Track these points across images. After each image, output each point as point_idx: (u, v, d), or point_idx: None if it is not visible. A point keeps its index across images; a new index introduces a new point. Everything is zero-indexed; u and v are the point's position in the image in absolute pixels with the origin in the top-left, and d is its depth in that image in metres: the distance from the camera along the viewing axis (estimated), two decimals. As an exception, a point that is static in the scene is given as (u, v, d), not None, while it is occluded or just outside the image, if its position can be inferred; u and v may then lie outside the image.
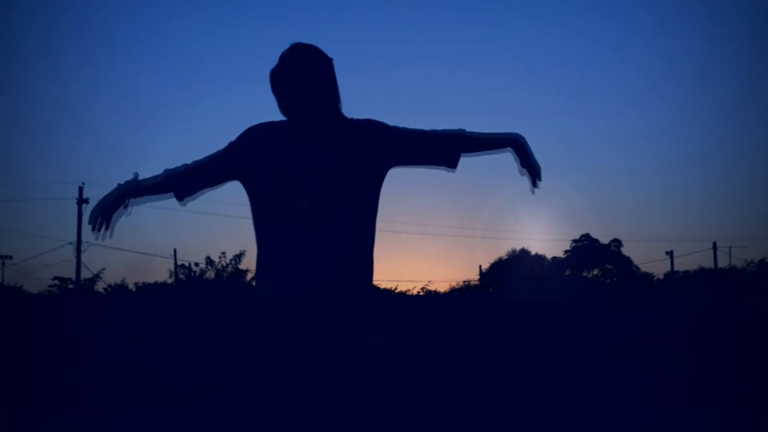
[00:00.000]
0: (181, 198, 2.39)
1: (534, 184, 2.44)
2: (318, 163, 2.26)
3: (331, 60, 2.34)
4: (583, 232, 38.77)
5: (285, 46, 2.36)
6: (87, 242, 27.25)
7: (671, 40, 54.30)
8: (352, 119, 2.38)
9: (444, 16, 53.91)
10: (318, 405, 2.18)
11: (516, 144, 2.43)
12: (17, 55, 50.65)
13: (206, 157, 2.38)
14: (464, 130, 2.41)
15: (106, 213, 2.37)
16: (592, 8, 52.61)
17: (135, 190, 2.37)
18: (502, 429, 4.89)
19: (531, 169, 2.42)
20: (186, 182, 2.38)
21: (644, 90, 55.82)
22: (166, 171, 2.39)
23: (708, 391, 6.36)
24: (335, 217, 2.24)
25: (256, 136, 2.34)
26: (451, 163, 2.40)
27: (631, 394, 6.22)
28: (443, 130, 2.41)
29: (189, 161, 2.39)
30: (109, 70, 50.70)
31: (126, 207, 2.38)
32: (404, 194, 43.65)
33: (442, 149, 2.38)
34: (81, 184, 27.75)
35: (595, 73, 55.06)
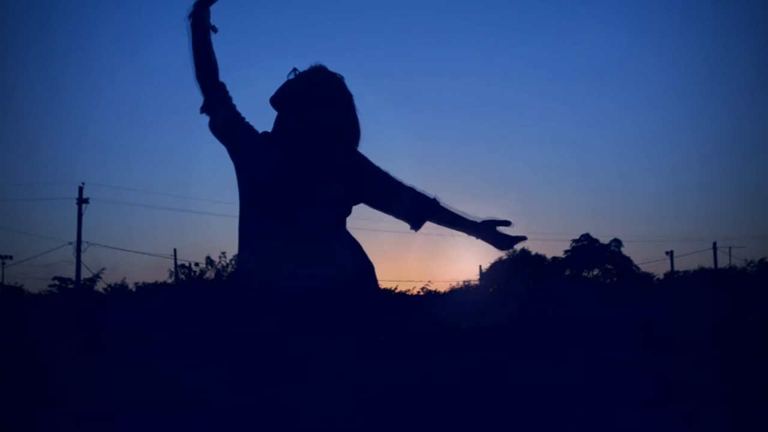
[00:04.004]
0: (214, 118, 2.43)
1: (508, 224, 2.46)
2: (296, 169, 2.26)
3: (350, 96, 2.33)
4: (583, 232, 38.85)
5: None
6: (87, 242, 27.30)
7: (670, 39, 54.32)
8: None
9: (443, 24, 53.98)
10: (320, 405, 2.18)
11: (491, 228, 2.42)
12: (17, 55, 50.68)
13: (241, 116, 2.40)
14: (438, 200, 2.39)
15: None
16: (591, 10, 52.64)
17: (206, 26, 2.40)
18: (503, 430, 4.90)
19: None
20: (228, 112, 2.40)
21: (644, 90, 55.86)
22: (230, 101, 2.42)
23: (708, 392, 6.35)
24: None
25: (262, 141, 2.35)
26: (416, 225, 2.39)
27: (631, 394, 6.21)
28: (420, 191, 2.39)
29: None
30: (109, 70, 50.76)
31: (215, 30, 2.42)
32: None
33: (413, 208, 2.37)
34: (81, 184, 27.83)
35: (595, 73, 55.09)
